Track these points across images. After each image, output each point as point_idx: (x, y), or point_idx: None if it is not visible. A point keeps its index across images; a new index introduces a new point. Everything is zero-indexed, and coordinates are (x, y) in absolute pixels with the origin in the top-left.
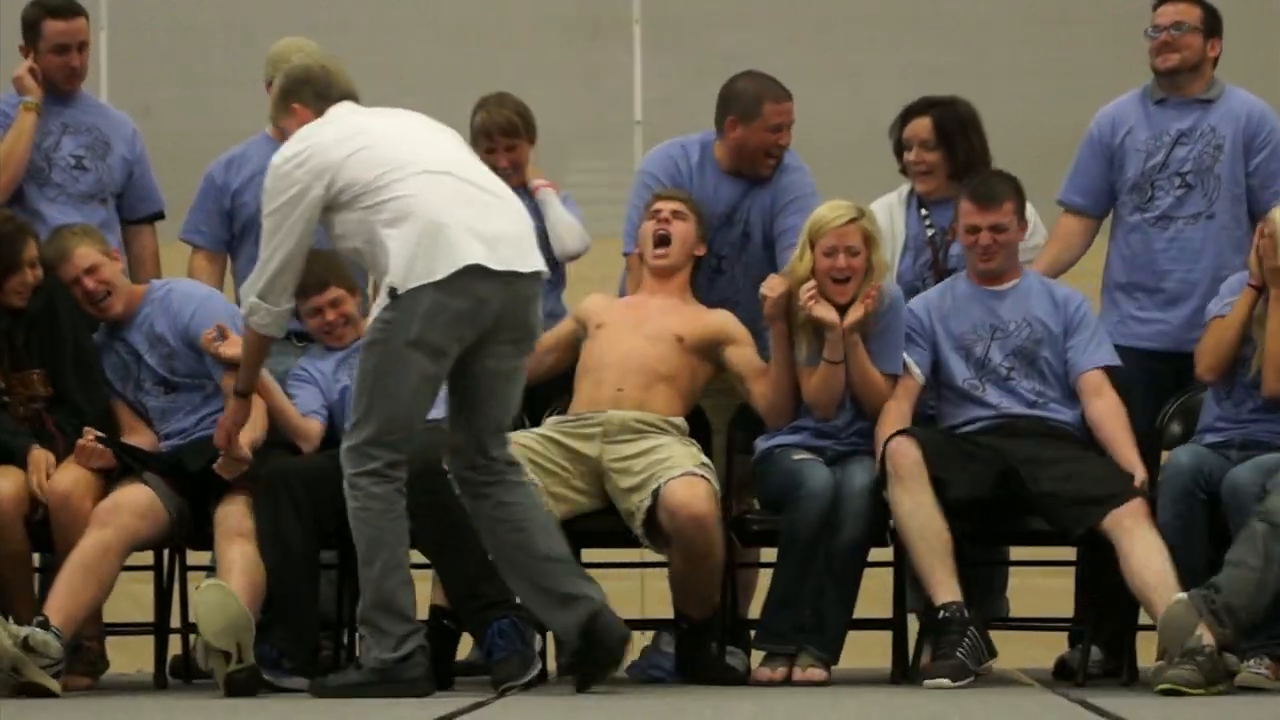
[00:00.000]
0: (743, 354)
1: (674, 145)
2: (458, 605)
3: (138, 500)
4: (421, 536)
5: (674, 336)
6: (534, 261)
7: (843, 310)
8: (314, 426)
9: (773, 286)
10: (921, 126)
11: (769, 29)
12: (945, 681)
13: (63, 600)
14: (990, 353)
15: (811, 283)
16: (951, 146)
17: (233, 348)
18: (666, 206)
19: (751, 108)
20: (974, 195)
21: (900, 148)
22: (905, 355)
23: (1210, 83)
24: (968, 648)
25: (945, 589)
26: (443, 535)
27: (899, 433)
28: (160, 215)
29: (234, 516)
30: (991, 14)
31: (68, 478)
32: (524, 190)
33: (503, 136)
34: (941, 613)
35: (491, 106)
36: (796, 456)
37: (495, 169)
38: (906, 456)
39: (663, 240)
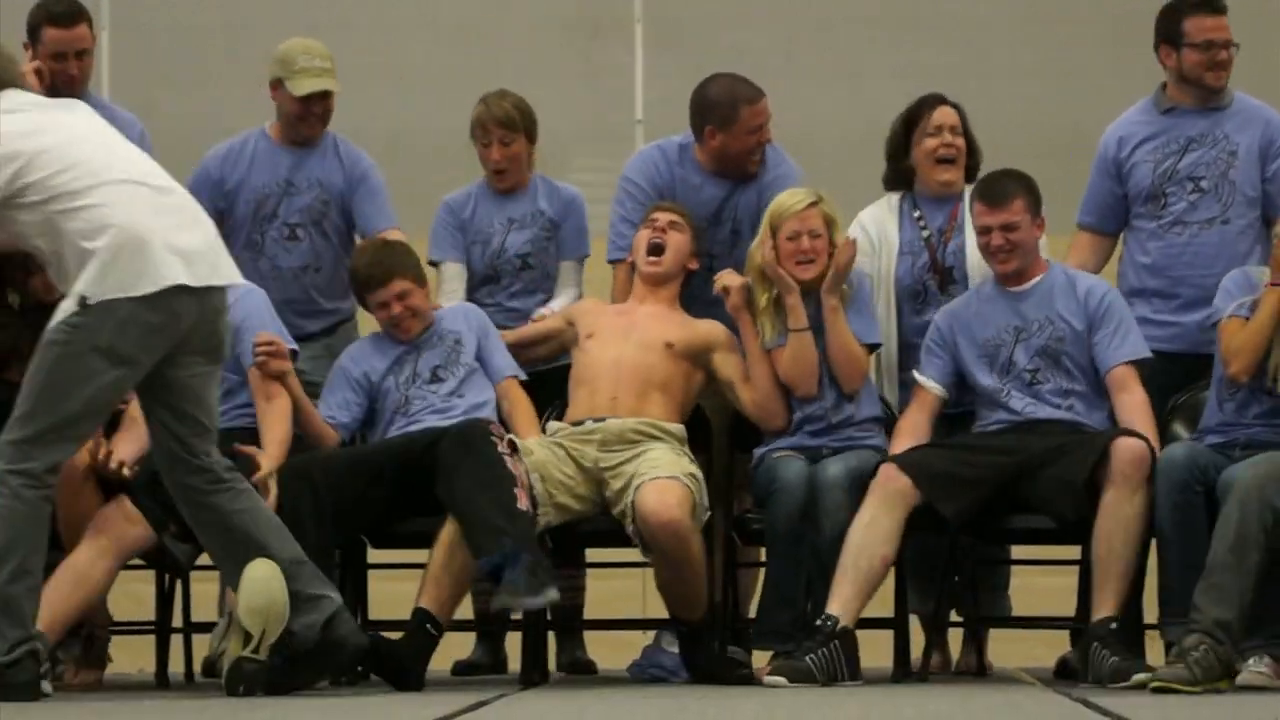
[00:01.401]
0: (730, 361)
1: (654, 149)
2: (471, 541)
3: (134, 508)
4: (450, 486)
5: (663, 344)
6: (226, 273)
7: (806, 291)
8: (331, 435)
9: (730, 280)
10: (949, 113)
11: (769, 29)
12: (782, 680)
13: (50, 603)
14: (1015, 355)
15: (769, 246)
16: (970, 138)
17: (280, 363)
18: (663, 217)
19: (728, 114)
20: (983, 195)
21: (899, 149)
22: (920, 373)
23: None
24: (823, 658)
25: (842, 604)
26: (472, 479)
27: (896, 458)
28: None
29: None
30: (991, 14)
31: None
32: (524, 193)
33: (498, 129)
34: (821, 620)
35: (491, 100)
36: (776, 454)
37: (489, 163)
38: (892, 484)
39: (656, 249)
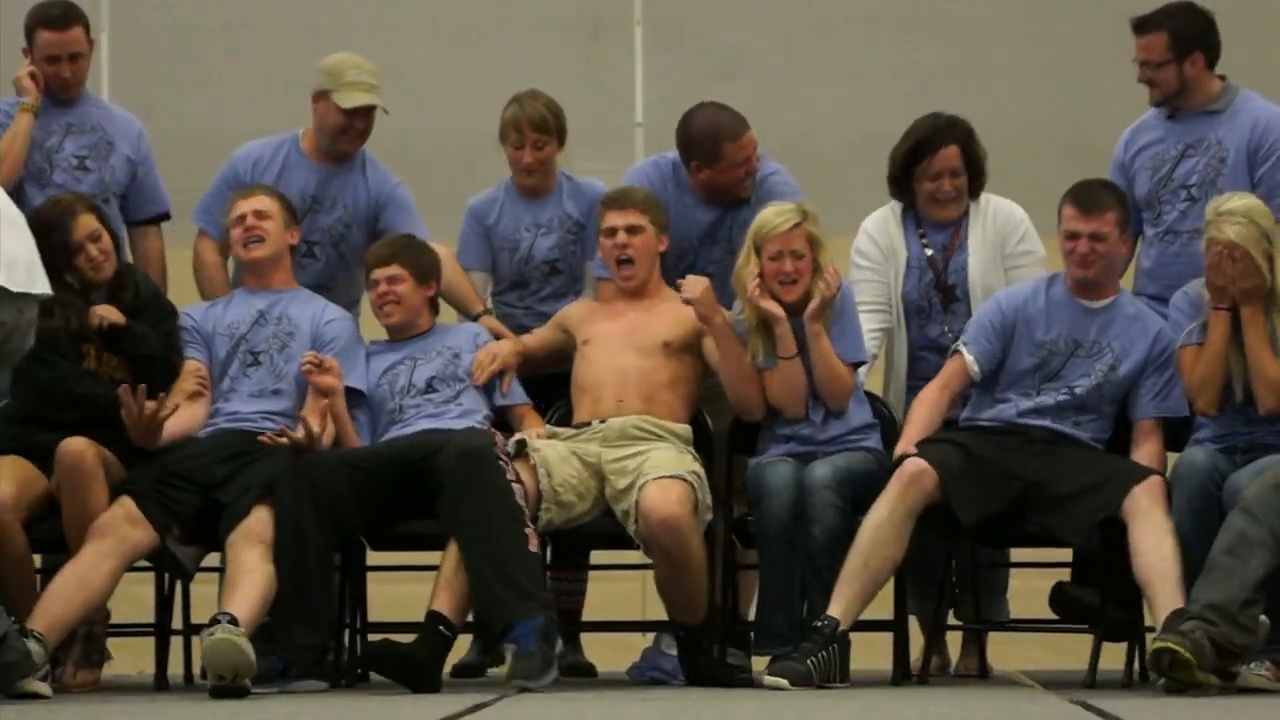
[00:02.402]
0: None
1: (650, 165)
2: (482, 590)
3: (136, 510)
4: (458, 515)
5: (661, 344)
6: (43, 283)
7: (791, 310)
8: None
9: (692, 287)
10: (951, 155)
11: (769, 29)
12: (783, 682)
13: (52, 607)
14: (1065, 368)
15: (756, 278)
16: (975, 167)
17: (327, 380)
18: (620, 221)
19: (711, 150)
20: (1077, 201)
21: (901, 176)
22: (966, 348)
23: (1218, 93)
24: (821, 660)
25: (842, 605)
26: (481, 514)
27: (921, 452)
28: (166, 216)
29: (252, 520)
30: (991, 14)
31: (81, 441)
32: (551, 196)
33: (533, 131)
34: (819, 621)
35: (524, 100)
36: (764, 460)
37: (519, 165)
38: (916, 485)
39: (625, 262)
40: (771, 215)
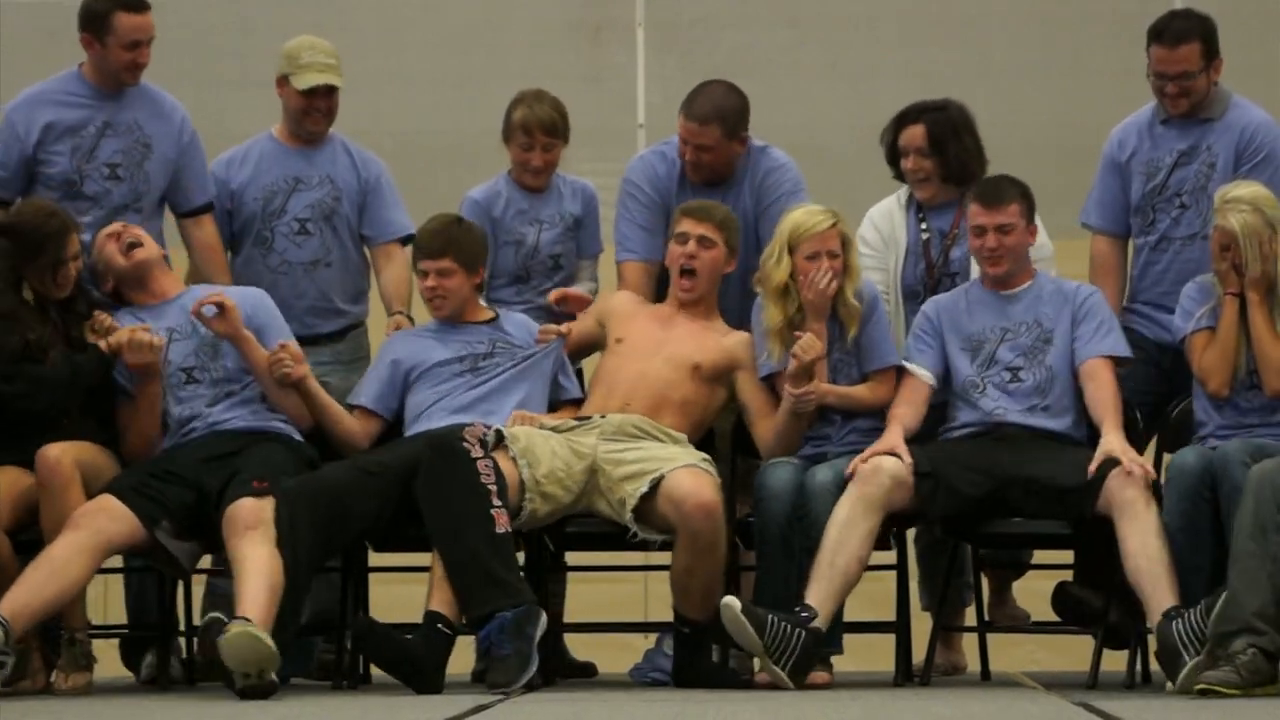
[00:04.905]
0: (750, 383)
1: (652, 152)
2: (461, 583)
3: (114, 504)
4: (432, 511)
5: (691, 365)
6: None
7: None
8: (358, 435)
9: (808, 348)
10: (915, 134)
11: (771, 30)
12: (735, 605)
13: (21, 594)
14: (999, 352)
15: (811, 280)
16: (944, 152)
17: (300, 369)
18: (694, 231)
19: (680, 112)
20: (980, 196)
21: (893, 154)
22: (909, 364)
23: (1213, 99)
24: (782, 631)
25: (814, 598)
26: (457, 509)
27: (885, 451)
28: (210, 206)
29: (245, 509)
30: (992, 14)
31: (58, 446)
32: (551, 192)
33: (543, 134)
34: (800, 606)
35: (532, 101)
36: (769, 461)
37: (526, 166)
38: (871, 483)
39: (688, 273)
40: (804, 216)
